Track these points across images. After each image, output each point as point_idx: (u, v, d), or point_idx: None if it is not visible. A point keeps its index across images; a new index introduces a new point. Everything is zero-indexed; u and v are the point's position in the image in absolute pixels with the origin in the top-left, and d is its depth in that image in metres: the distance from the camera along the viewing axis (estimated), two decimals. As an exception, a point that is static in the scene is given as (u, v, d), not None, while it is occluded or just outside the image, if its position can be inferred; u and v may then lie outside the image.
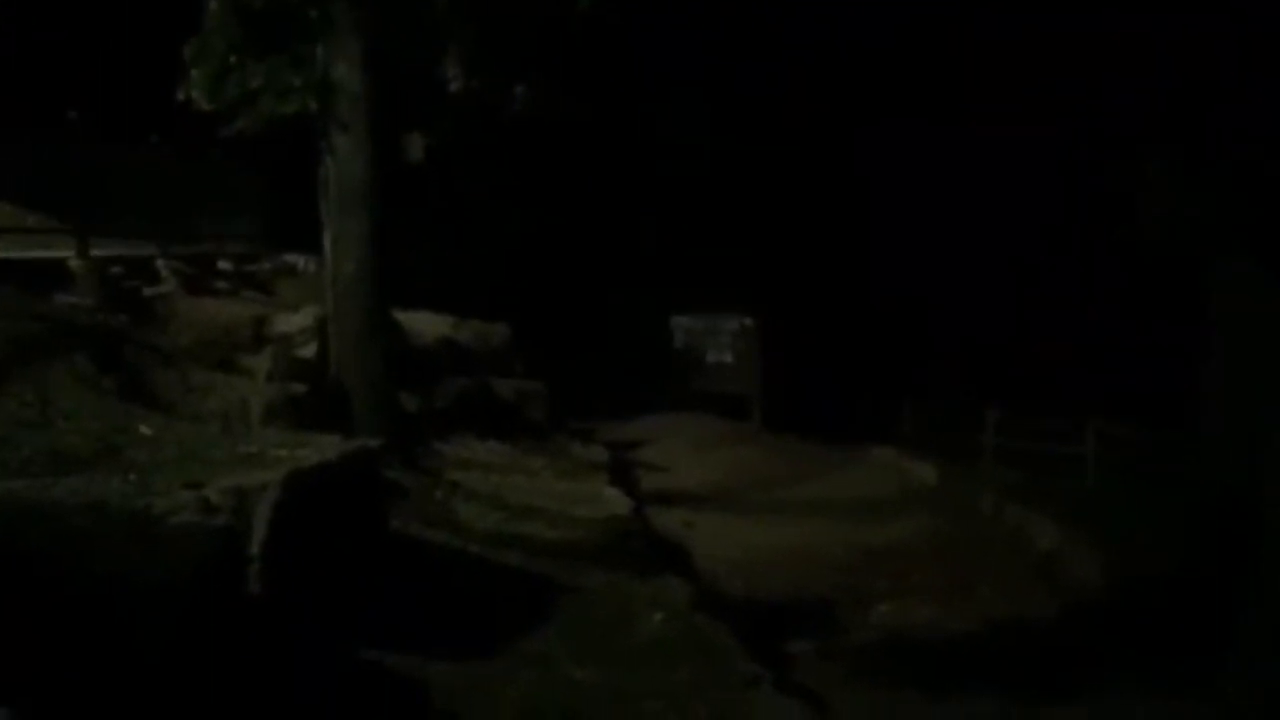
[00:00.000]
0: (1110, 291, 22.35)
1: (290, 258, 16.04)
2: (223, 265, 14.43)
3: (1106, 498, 13.64)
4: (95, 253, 11.23)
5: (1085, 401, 17.15)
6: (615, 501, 11.44)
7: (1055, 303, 24.59)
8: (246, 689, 4.65)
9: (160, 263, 12.53)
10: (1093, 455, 15.98)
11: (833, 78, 26.32)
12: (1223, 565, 9.06)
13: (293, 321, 11.89)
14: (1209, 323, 11.85)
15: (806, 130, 26.85)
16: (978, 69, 24.53)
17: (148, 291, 11.47)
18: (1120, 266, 20.53)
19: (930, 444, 18.56)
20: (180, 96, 10.48)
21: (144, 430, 6.60)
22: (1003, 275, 25.50)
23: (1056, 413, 17.03)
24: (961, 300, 25.52)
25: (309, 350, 11.23)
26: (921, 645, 9.00)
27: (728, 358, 24.32)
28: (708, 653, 7.07)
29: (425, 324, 15.22)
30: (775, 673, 7.29)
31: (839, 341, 25.39)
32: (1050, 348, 23.19)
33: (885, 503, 14.31)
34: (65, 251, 10.90)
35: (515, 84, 11.83)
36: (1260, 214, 10.98)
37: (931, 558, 11.60)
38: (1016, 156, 24.12)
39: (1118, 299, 21.95)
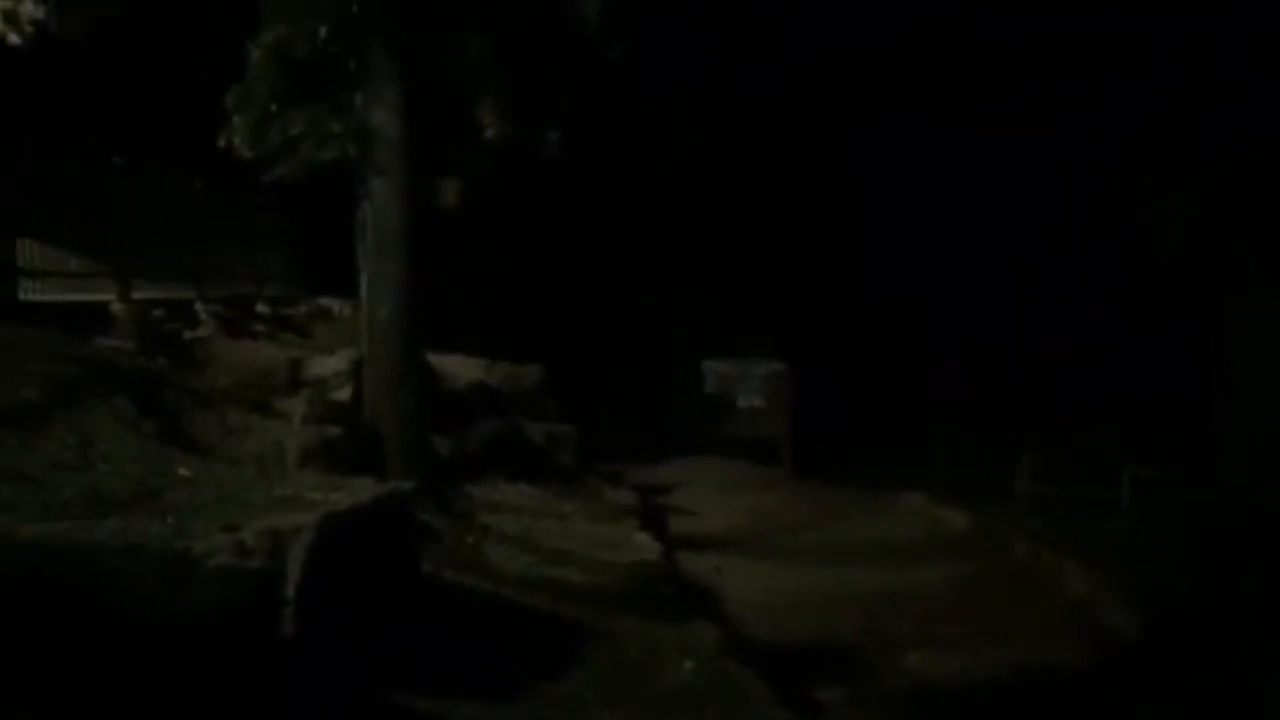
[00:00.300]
0: (1135, 319, 22.17)
1: (326, 301, 16.26)
2: (260, 309, 14.67)
3: (1139, 541, 13.51)
4: (136, 296, 11.47)
5: (1113, 438, 17.00)
6: (645, 546, 11.44)
7: (1083, 337, 24.39)
8: (279, 730, 4.71)
9: (199, 306, 12.76)
10: (1128, 499, 15.85)
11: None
12: (1245, 604, 8.97)
13: (328, 365, 12.04)
14: (1226, 356, 11.78)
15: (824, 179, 26.95)
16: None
17: (187, 335, 11.68)
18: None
19: (962, 490, 18.44)
20: (222, 143, 10.71)
21: (182, 472, 6.71)
22: (1033, 312, 25.40)
23: (1087, 456, 16.92)
24: (988, 340, 25.40)
25: (344, 393, 11.35)
26: (952, 693, 8.93)
27: (758, 402, 24.32)
28: (737, 698, 7.06)
29: (458, 367, 15.34)
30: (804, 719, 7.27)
31: (871, 388, 25.31)
32: (1079, 383, 22.98)
33: (914, 548, 14.22)
34: (107, 295, 11.13)
35: (549, 129, 12.01)
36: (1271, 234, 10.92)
37: (961, 604, 11.52)
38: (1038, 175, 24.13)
39: (1142, 328, 21.75)
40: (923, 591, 11.94)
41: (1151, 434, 16.72)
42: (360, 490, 6.85)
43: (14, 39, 10.07)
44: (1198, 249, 16.15)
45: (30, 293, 10.07)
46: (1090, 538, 13.63)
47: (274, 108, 10.49)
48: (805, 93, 26.63)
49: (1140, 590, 11.14)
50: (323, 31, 10.25)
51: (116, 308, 10.80)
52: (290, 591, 5.19)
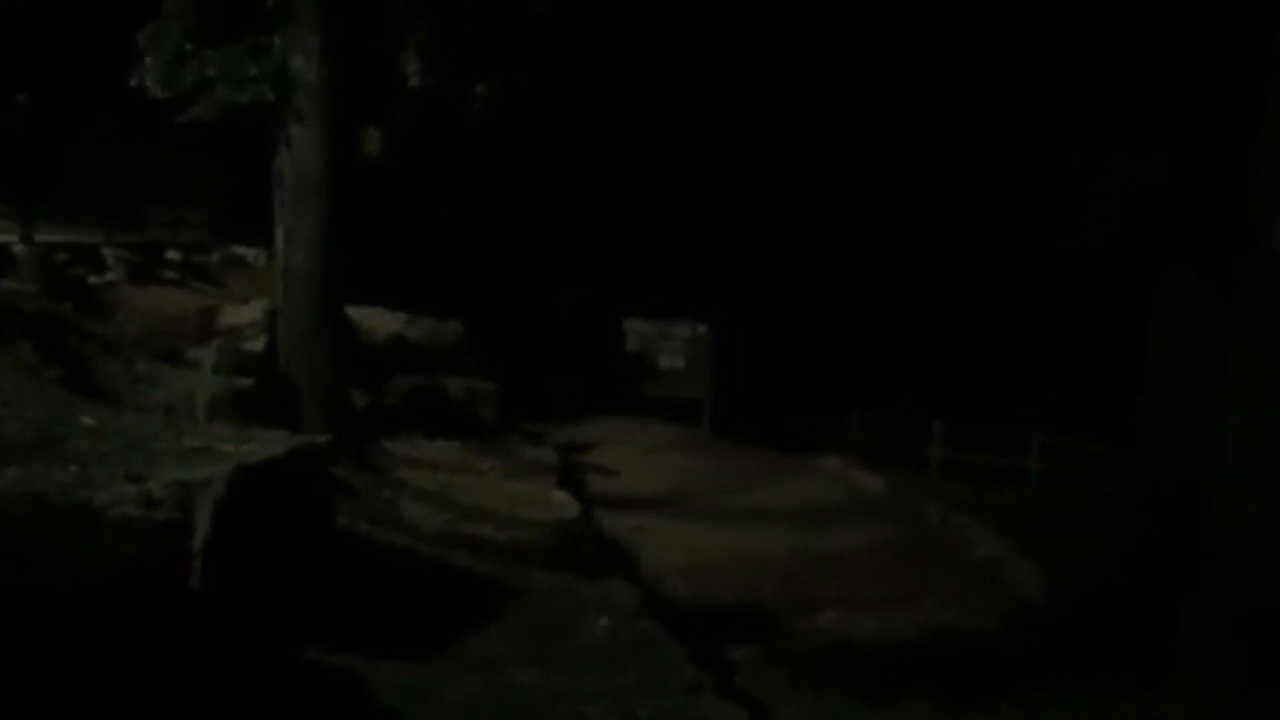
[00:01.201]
0: (1053, 303, 22.65)
1: (241, 250, 15.87)
2: (171, 255, 14.25)
3: (1049, 508, 13.84)
4: (40, 239, 11.05)
5: (1027, 414, 17.38)
6: (564, 504, 11.41)
7: (1000, 312, 24.84)
8: (186, 685, 4.58)
9: (107, 251, 12.34)
10: (1037, 467, 16.21)
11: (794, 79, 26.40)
12: (1157, 573, 9.23)
13: (242, 314, 11.77)
14: (1152, 331, 12.05)
15: (764, 132, 26.94)
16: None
17: (93, 280, 11.29)
18: (1063, 277, 20.83)
19: (878, 454, 18.72)
20: (134, 83, 10.34)
21: (86, 421, 6.48)
22: (948, 285, 25.76)
23: (1001, 424, 17.26)
24: (906, 310, 25.75)
25: (258, 344, 11.11)
26: (864, 652, 9.07)
27: (679, 363, 24.39)
28: (652, 657, 7.07)
29: (377, 320, 15.11)
30: (718, 678, 7.32)
31: (789, 351, 25.52)
32: (993, 358, 23.43)
33: (832, 511, 14.40)
34: (9, 237, 10.71)
35: (475, 82, 11.81)
36: (1204, 222, 11.18)
37: (877, 566, 11.70)
38: (963, 160, 24.42)
39: (1060, 310, 22.25)
40: (839, 554, 12.09)
41: (1067, 409, 17.09)
42: (273, 443, 6.68)
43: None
44: (1128, 233, 16.50)
45: (-75, 233, 9.67)
46: (1001, 503, 13.93)
47: (188, 47, 10.15)
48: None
49: (1048, 554, 11.41)
50: (240, -31, 9.93)
51: (18, 250, 10.38)
52: (199, 544, 5.05)
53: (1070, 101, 22.21)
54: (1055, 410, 17.43)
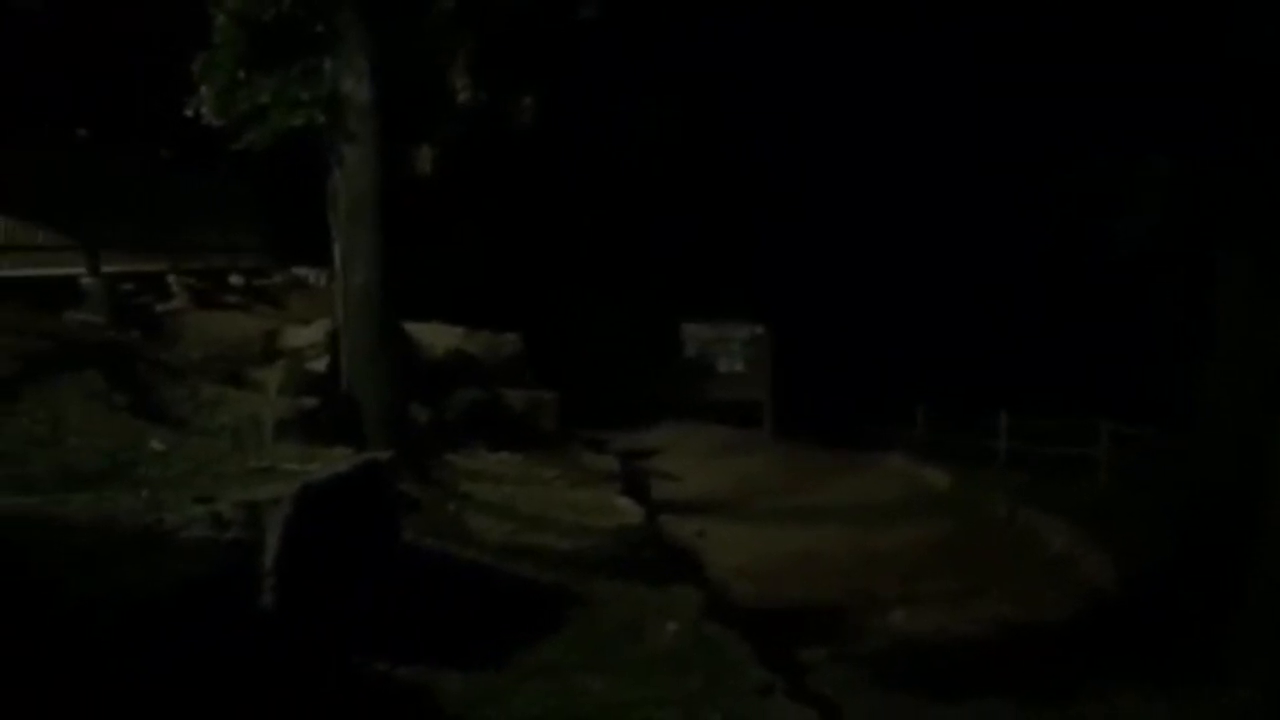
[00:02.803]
0: (1110, 294, 22.36)
1: (301, 271, 16.12)
2: (234, 280, 14.51)
3: (1118, 499, 13.60)
4: (106, 269, 11.31)
5: (1088, 404, 17.12)
6: (627, 511, 11.43)
7: (1058, 304, 24.57)
8: (258, 701, 4.67)
9: (171, 278, 12.60)
10: (1105, 457, 15.93)
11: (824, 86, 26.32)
12: (1222, 563, 9.06)
13: (303, 335, 11.93)
14: (1210, 320, 11.83)
15: (806, 138, 26.88)
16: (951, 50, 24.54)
17: (159, 307, 11.54)
18: (1120, 269, 20.59)
19: (942, 449, 18.53)
20: (189, 112, 10.54)
21: (155, 446, 6.63)
22: (1005, 278, 25.51)
23: (1064, 415, 17.01)
24: (966, 305, 25.53)
25: (320, 364, 11.26)
26: (934, 649, 8.99)
27: (739, 366, 24.37)
28: (720, 661, 7.05)
29: (436, 335, 15.25)
30: (788, 680, 7.28)
31: (850, 348, 25.38)
32: (1054, 350, 23.18)
33: (897, 509, 14.29)
34: (76, 268, 10.98)
35: (523, 95, 11.89)
36: (1261, 208, 10.95)
37: (943, 562, 11.59)
38: (1013, 159, 24.19)
39: (1118, 301, 21.95)
40: (905, 551, 12.00)
41: (1128, 399, 16.83)
42: (338, 460, 6.81)
43: (-27, 10, 9.90)
44: (1174, 229, 16.34)
45: (-2, 268, 9.94)
46: (1069, 495, 13.72)
47: (241, 75, 10.32)
48: (785, 63, 26.53)
49: (1118, 546, 11.22)
50: (288, -4, 10.08)
51: (86, 282, 10.65)
52: (269, 562, 5.14)
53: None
54: (1116, 398, 17.14)
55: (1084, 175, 21.28)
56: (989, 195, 25.16)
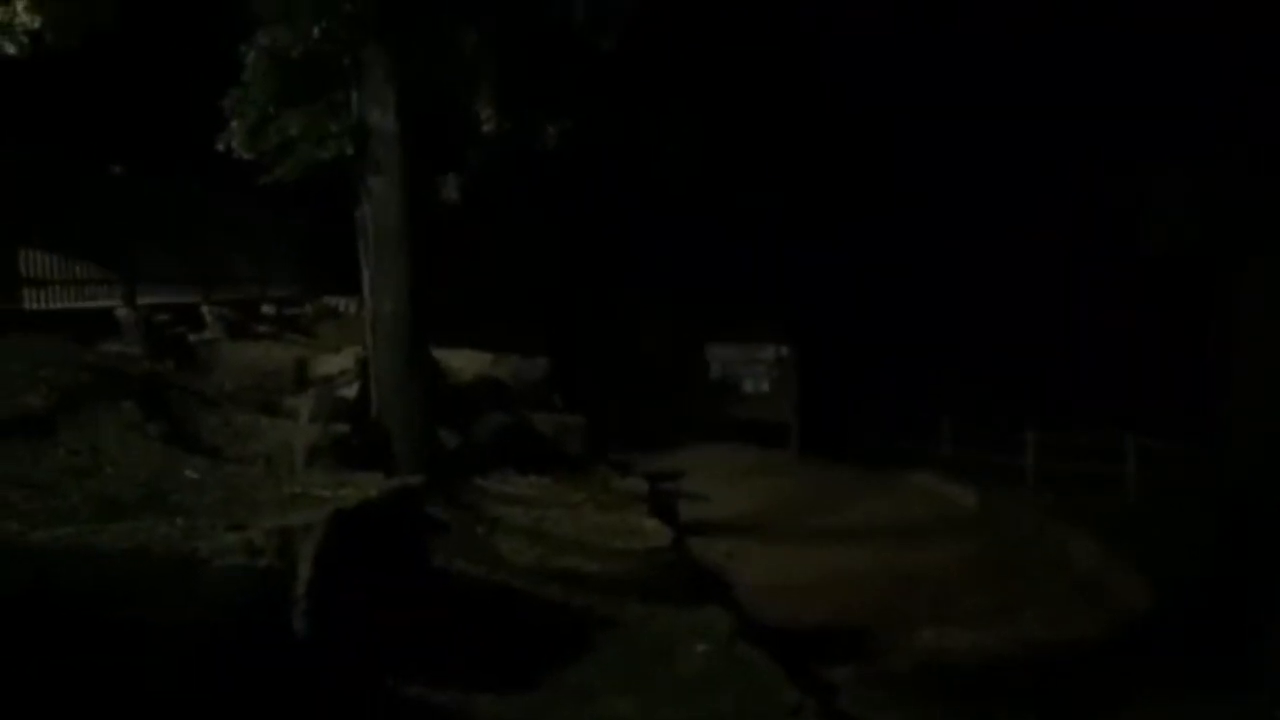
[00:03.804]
0: (1131, 303, 22.25)
1: (331, 300, 16.31)
2: (266, 309, 14.72)
3: (1147, 515, 13.53)
4: (142, 301, 11.52)
5: (1116, 416, 17.04)
6: (655, 533, 11.45)
7: (1082, 319, 24.48)
8: (294, 726, 4.75)
9: (205, 309, 12.80)
10: (1133, 473, 15.86)
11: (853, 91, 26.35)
12: (1255, 576, 9.02)
13: (334, 363, 12.07)
14: (1237, 325, 11.78)
15: (832, 150, 26.91)
16: (976, 61, 24.52)
17: (193, 338, 11.72)
18: (1141, 278, 20.51)
19: (969, 467, 18.48)
20: (220, 147, 10.73)
21: (189, 474, 6.75)
22: (1030, 293, 25.45)
23: (1092, 430, 16.94)
24: (991, 320, 25.45)
25: (350, 391, 11.38)
26: (965, 668, 8.98)
27: (764, 386, 24.37)
28: (751, 682, 7.07)
29: (464, 361, 15.36)
30: (818, 700, 7.30)
31: (875, 368, 25.34)
32: (1080, 364, 23.09)
33: (925, 527, 14.26)
34: (112, 301, 11.18)
35: (548, 123, 12.00)
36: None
37: (973, 581, 11.56)
38: (1035, 169, 24.16)
39: (1139, 311, 21.85)
40: (933, 570, 11.98)
41: (1153, 411, 16.74)
42: (369, 486, 6.89)
43: (9, 49, 10.11)
44: (1197, 232, 16.25)
45: (35, 301, 10.13)
46: (1098, 512, 13.65)
47: (271, 109, 10.50)
48: (811, 79, 26.59)
49: (1148, 563, 11.16)
50: (316, 31, 10.25)
51: (121, 313, 10.84)
52: (301, 589, 5.21)
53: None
54: (1140, 412, 17.05)
55: (1110, 187, 21.25)
56: (1014, 210, 25.11)
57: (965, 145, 25.10)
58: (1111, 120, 21.76)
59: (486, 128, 11.48)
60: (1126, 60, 20.83)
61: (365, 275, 10.86)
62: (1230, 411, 11.56)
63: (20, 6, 9.91)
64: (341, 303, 15.97)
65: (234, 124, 10.55)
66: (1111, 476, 15.80)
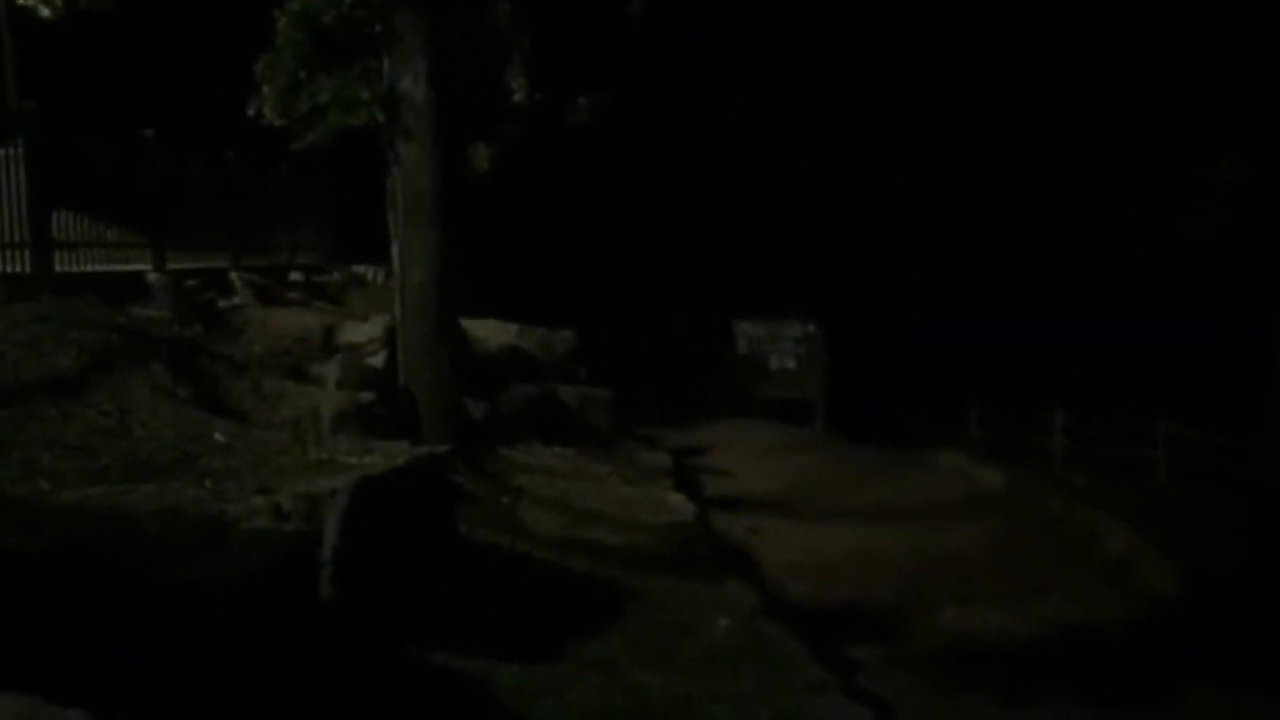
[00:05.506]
0: (1174, 291, 22.08)
1: (359, 268, 16.34)
2: (294, 277, 14.75)
3: (1178, 500, 13.40)
4: (171, 266, 11.56)
5: (1149, 401, 16.91)
6: (680, 507, 11.46)
7: (1118, 302, 24.30)
8: (317, 691, 4.76)
9: (234, 275, 12.84)
10: (1164, 458, 15.71)
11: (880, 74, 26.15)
12: None
13: (362, 331, 12.10)
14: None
15: (859, 127, 26.73)
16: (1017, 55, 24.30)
17: (222, 303, 11.76)
18: (1185, 266, 20.33)
19: (997, 448, 18.37)
20: (251, 112, 10.73)
21: (218, 438, 6.76)
22: (1063, 276, 25.27)
23: (1122, 414, 16.81)
24: (1022, 302, 25.28)
25: (378, 359, 11.41)
26: (989, 650, 8.91)
27: (791, 363, 24.26)
28: (773, 658, 7.07)
29: (491, 332, 15.39)
30: (842, 678, 7.27)
31: (903, 346, 25.22)
32: (1113, 347, 22.93)
33: (951, 508, 14.14)
34: (143, 265, 11.23)
35: (578, 94, 11.95)
36: None
37: (999, 562, 11.47)
38: (1076, 158, 23.94)
39: (1181, 298, 21.68)
40: (960, 550, 11.88)
41: (1188, 397, 16.60)
42: (395, 454, 6.89)
43: (45, 12, 10.14)
44: (1244, 222, 16.10)
45: (66, 264, 10.17)
46: (1128, 495, 13.53)
47: (302, 75, 10.49)
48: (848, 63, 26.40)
49: (1177, 548, 11.06)
50: (348, -2, 10.23)
51: (152, 278, 10.89)
52: (327, 554, 5.23)
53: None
54: (1179, 398, 16.90)
55: (1151, 175, 21.03)
56: (1045, 193, 24.91)
57: (993, 124, 24.88)
58: (1161, 107, 21.56)
59: (518, 97, 11.46)
60: (1183, 54, 20.61)
61: (395, 244, 10.86)
62: (1269, 402, 11.45)
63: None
64: (369, 271, 15.99)
65: (265, 89, 10.56)
66: (1143, 461, 15.64)
